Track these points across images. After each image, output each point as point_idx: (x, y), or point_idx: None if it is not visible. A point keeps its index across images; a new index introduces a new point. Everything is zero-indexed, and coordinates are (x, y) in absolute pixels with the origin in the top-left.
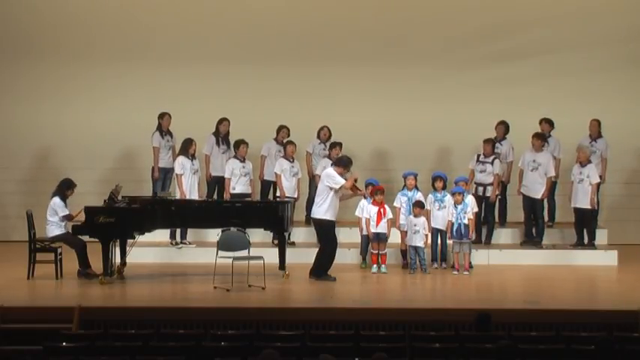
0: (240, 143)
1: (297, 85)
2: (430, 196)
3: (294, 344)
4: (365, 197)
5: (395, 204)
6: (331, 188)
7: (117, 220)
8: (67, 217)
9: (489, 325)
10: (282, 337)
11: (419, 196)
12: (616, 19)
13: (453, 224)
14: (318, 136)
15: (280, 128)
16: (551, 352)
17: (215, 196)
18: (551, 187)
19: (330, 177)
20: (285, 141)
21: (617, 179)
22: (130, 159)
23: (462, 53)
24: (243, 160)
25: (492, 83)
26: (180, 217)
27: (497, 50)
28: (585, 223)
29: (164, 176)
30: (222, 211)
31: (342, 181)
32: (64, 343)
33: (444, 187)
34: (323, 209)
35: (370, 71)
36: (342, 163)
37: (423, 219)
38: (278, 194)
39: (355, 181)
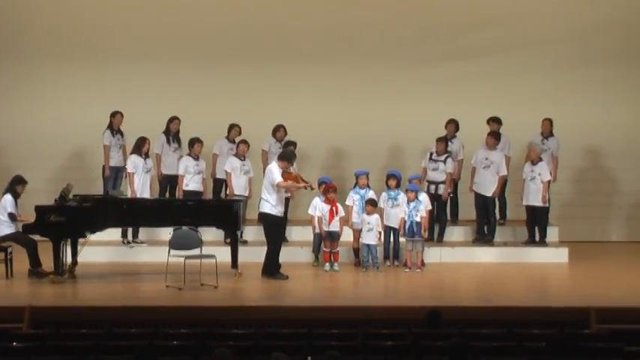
0: (194, 141)
1: (250, 85)
2: (383, 194)
3: (246, 343)
4: (312, 189)
5: (347, 202)
6: (272, 185)
7: (68, 219)
8: (11, 216)
9: (440, 322)
10: (234, 335)
11: (371, 194)
12: (568, 18)
13: (405, 222)
14: (274, 136)
15: (231, 127)
16: (503, 350)
17: (167, 195)
18: (503, 185)
19: (271, 172)
20: (238, 140)
21: (567, 177)
22: (81, 158)
23: (414, 52)
24: (197, 159)
25: (444, 82)
26: (132, 215)
27: (448, 49)
28: (537, 220)
29: (115, 175)
30: (175, 210)
31: (276, 179)
32: (14, 343)
33: (397, 186)
34: (269, 204)
35: (323, 70)
36: (285, 158)
37: (376, 216)
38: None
39: (308, 186)
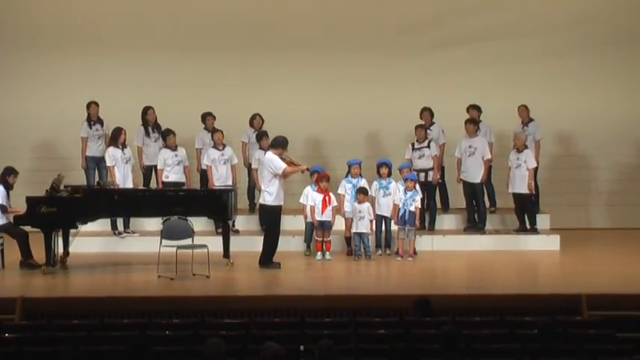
0: (167, 133)
1: (228, 73)
2: (375, 183)
3: (239, 332)
4: (308, 170)
5: (339, 191)
6: (275, 174)
7: (59, 209)
8: (2, 208)
9: (430, 310)
10: (227, 325)
11: (363, 183)
12: (551, 7)
13: (399, 210)
14: (251, 125)
15: (205, 116)
16: (495, 337)
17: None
18: (489, 169)
19: (272, 162)
20: (212, 129)
21: (548, 165)
22: (60, 148)
23: (397, 41)
24: (174, 149)
25: (426, 70)
26: (123, 206)
27: (431, 38)
28: (525, 208)
29: (97, 165)
30: (166, 200)
31: (282, 166)
32: (6, 334)
33: (389, 174)
34: (272, 196)
35: (302, 58)
36: (279, 144)
37: (367, 205)
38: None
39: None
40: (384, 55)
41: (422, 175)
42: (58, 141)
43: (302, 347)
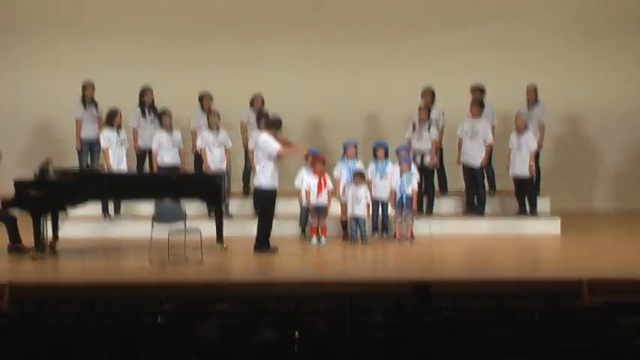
0: (162, 114)
1: (227, 54)
2: (372, 165)
3: (232, 319)
4: (309, 152)
5: (335, 174)
6: (269, 155)
7: (48, 193)
8: None
9: (428, 296)
10: (220, 311)
11: (359, 165)
12: None
13: (396, 194)
14: (252, 105)
15: (202, 97)
16: (495, 322)
17: (147, 168)
18: (490, 153)
19: (267, 143)
20: (208, 110)
21: (551, 146)
22: (55, 130)
23: (395, 21)
24: (170, 131)
25: (427, 51)
26: (114, 189)
27: (432, 20)
28: (525, 191)
29: (91, 148)
30: (157, 183)
31: (277, 147)
32: None
33: (385, 156)
34: (266, 178)
35: (302, 40)
36: (273, 124)
37: (364, 188)
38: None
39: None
40: (384, 36)
41: (418, 157)
42: (55, 123)
43: (297, 333)
